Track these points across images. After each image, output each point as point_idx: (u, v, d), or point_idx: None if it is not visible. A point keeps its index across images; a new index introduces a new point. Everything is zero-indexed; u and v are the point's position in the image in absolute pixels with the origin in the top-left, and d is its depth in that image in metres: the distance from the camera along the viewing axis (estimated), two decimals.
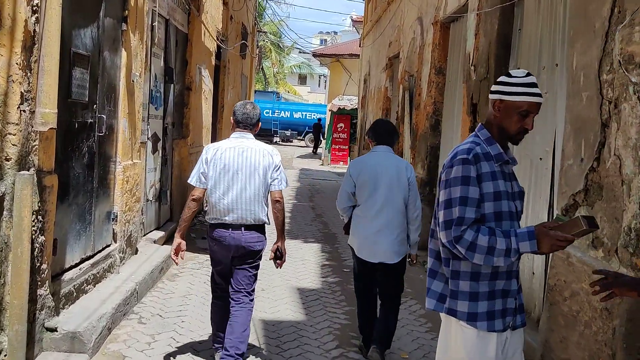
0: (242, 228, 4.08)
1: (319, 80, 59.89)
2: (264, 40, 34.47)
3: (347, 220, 4.66)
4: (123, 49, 5.72)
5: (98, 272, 5.24)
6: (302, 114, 35.01)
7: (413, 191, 4.46)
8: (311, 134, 33.75)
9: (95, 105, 5.11)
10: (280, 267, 4.38)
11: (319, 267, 7.51)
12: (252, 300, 4.24)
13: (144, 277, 5.81)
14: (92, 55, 4.98)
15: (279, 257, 4.29)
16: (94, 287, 5.13)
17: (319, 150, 29.74)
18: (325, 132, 26.13)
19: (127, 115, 5.85)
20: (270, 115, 34.82)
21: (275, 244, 4.29)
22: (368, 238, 4.43)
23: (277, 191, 4.17)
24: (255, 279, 4.28)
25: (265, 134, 34.96)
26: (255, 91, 35.52)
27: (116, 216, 5.74)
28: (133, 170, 6.11)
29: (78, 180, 4.86)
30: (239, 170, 4.07)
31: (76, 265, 4.87)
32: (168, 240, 7.94)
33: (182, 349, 4.63)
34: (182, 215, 4.20)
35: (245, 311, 4.15)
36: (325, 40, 60.58)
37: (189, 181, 4.18)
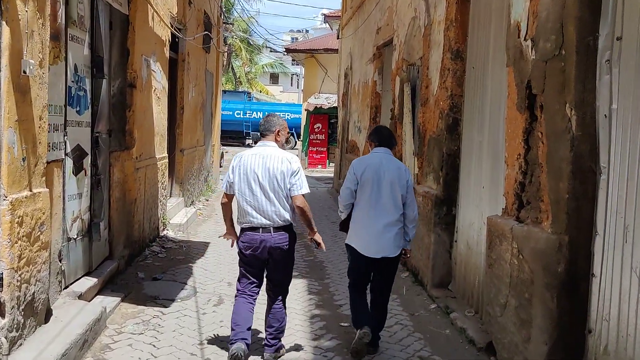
0: (271, 229, 4.40)
1: (292, 79, 57.94)
2: (233, 38, 32.35)
3: (345, 217, 4.85)
4: (4, 23, 3.73)
5: None
6: None
7: (410, 192, 4.76)
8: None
9: None
10: (321, 249, 4.73)
11: (308, 321, 5.57)
12: (286, 295, 4.70)
13: None
14: None
15: (315, 246, 4.70)
16: None
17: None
18: (302, 133, 24.19)
19: (15, 125, 3.87)
20: (242, 116, 33.17)
21: (308, 237, 4.69)
22: (372, 235, 4.66)
23: (297, 196, 4.41)
24: (290, 276, 4.71)
25: (236, 136, 32.95)
26: (226, 91, 33.41)
27: (1, 278, 3.76)
28: (32, 205, 4.12)
29: None
30: (259, 175, 4.40)
31: None
32: (104, 287, 5.94)
33: None
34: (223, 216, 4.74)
35: (282, 305, 4.61)
36: (297, 38, 58.59)
37: (221, 187, 4.66)
